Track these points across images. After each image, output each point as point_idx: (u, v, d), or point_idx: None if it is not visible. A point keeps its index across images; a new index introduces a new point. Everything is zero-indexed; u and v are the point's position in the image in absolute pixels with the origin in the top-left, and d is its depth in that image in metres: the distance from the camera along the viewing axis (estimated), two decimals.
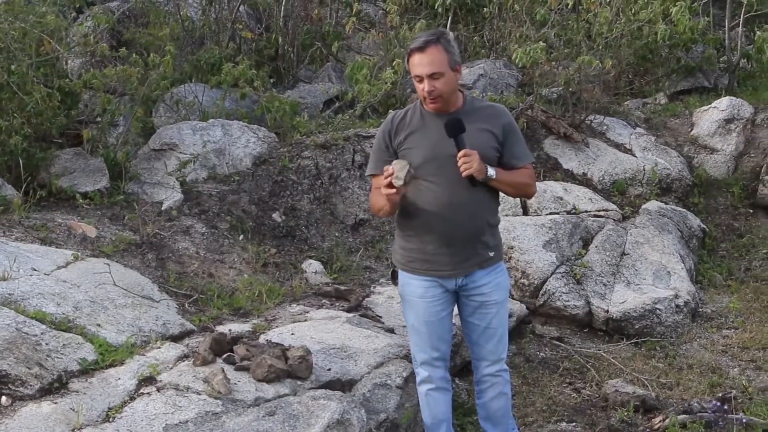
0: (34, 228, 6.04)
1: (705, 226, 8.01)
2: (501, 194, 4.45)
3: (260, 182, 7.25)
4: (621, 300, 6.66)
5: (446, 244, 4.32)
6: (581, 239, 7.16)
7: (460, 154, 4.11)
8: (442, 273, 4.36)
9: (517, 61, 8.34)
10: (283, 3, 9.82)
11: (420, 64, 4.14)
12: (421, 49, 4.13)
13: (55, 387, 4.37)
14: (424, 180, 4.24)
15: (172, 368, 4.67)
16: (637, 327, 6.55)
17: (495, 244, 4.42)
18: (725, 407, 5.18)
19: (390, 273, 4.68)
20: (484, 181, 4.17)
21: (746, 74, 10.47)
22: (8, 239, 5.73)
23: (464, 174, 4.11)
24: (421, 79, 4.17)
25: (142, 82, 7.49)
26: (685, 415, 5.21)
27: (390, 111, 8.08)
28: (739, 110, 9.08)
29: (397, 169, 4.09)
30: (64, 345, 4.64)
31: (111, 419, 4.19)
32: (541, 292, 6.67)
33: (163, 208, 6.75)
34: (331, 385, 4.77)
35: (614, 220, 7.53)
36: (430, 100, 4.20)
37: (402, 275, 4.49)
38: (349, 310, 5.90)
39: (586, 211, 7.54)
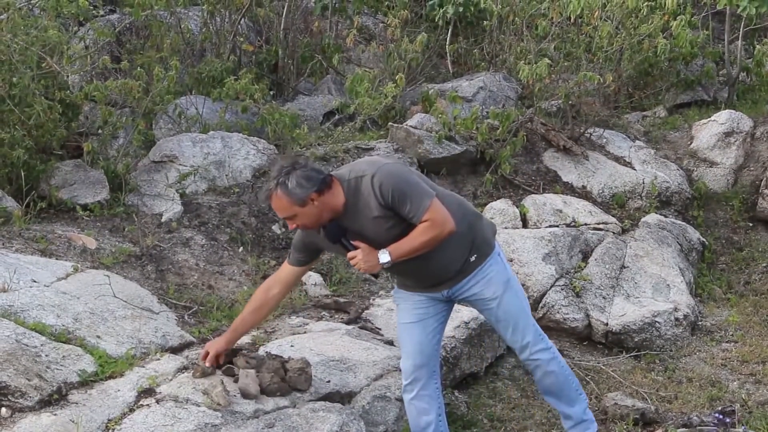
0: (34, 239, 6.05)
1: (704, 240, 8.01)
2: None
3: (260, 194, 7.26)
4: (620, 313, 6.66)
5: (422, 288, 4.48)
6: (581, 252, 7.17)
7: (348, 257, 4.20)
8: (429, 290, 4.49)
9: (522, 77, 8.37)
10: (284, 16, 9.85)
11: (276, 209, 4.22)
12: (267, 200, 4.21)
13: (55, 398, 4.37)
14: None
15: (171, 380, 4.67)
16: (636, 340, 6.55)
17: (475, 249, 4.41)
18: (727, 420, 5.17)
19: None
20: (386, 266, 4.18)
21: (746, 88, 10.48)
22: (8, 251, 5.74)
23: (359, 272, 4.22)
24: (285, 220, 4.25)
25: (144, 94, 7.51)
26: (684, 429, 5.21)
27: (390, 125, 8.10)
28: (738, 123, 9.09)
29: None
30: (63, 356, 4.65)
31: (110, 431, 4.19)
32: (541, 304, 6.67)
33: (162, 220, 6.76)
34: (330, 397, 4.77)
35: (614, 233, 7.53)
36: (301, 229, 4.30)
37: (395, 288, 4.65)
38: (348, 323, 5.90)
39: (585, 224, 7.54)
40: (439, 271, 4.36)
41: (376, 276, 4.27)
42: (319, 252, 4.51)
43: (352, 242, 4.19)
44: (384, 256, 4.14)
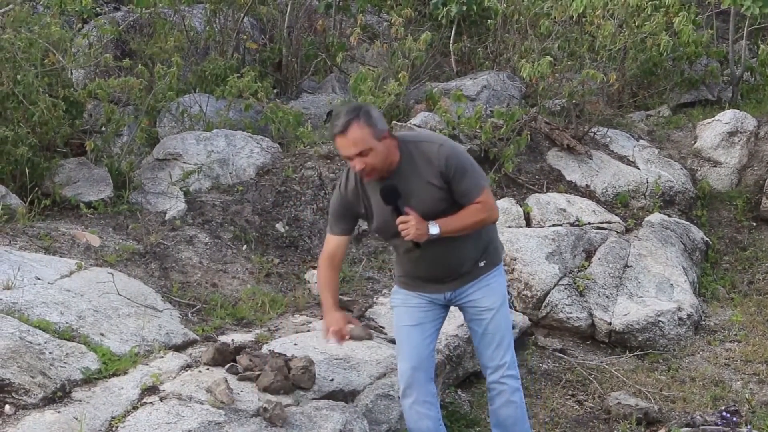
0: (38, 237, 6.05)
1: (708, 239, 8.00)
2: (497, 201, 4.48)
3: (264, 192, 7.27)
4: (624, 312, 6.65)
5: (426, 281, 4.42)
6: (584, 251, 7.16)
7: (397, 221, 4.13)
8: (430, 290, 4.44)
9: (524, 75, 8.37)
10: (287, 14, 9.85)
11: (345, 146, 4.13)
12: (342, 132, 4.10)
13: (59, 396, 4.38)
14: (391, 243, 4.41)
15: (175, 378, 4.68)
16: (639, 339, 6.54)
17: (486, 255, 4.41)
18: (734, 419, 5.17)
19: None
20: (431, 239, 4.15)
21: (750, 87, 10.46)
22: (12, 248, 5.74)
23: (405, 239, 4.14)
24: (350, 159, 4.16)
25: (147, 92, 7.51)
26: (687, 428, 5.22)
27: (394, 124, 8.11)
28: (742, 123, 9.08)
29: (357, 332, 4.31)
30: (67, 354, 4.65)
31: (114, 429, 4.20)
32: (544, 303, 6.67)
33: (166, 218, 6.76)
34: (333, 395, 4.78)
35: (617, 232, 7.53)
36: (366, 175, 4.20)
37: (394, 288, 4.59)
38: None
39: (589, 223, 7.53)
40: (452, 264, 4.33)
41: (417, 246, 4.18)
42: (357, 219, 4.44)
43: (404, 209, 4.15)
44: (434, 228, 4.13)
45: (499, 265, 4.49)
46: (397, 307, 4.51)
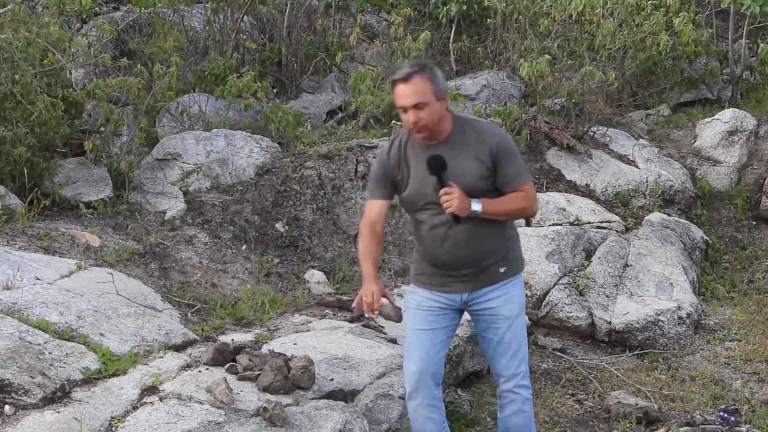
0: (37, 237, 6.05)
1: (708, 238, 8.00)
2: None
3: (263, 192, 7.26)
4: (624, 311, 6.65)
5: (447, 272, 4.33)
6: (584, 250, 7.16)
7: (441, 192, 4.10)
8: (447, 290, 4.36)
9: (523, 74, 8.36)
10: (287, 13, 9.85)
11: (403, 95, 4.12)
12: (404, 79, 4.11)
13: (58, 396, 4.38)
14: (420, 214, 4.29)
15: (174, 378, 4.68)
16: (639, 338, 6.54)
17: (507, 260, 4.36)
18: (732, 419, 5.17)
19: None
20: (471, 216, 4.14)
21: (749, 86, 10.46)
22: (12, 248, 5.74)
23: (446, 212, 4.10)
24: (405, 110, 4.14)
25: (146, 92, 7.51)
26: (687, 428, 5.21)
27: (394, 123, 8.10)
28: (742, 122, 9.08)
29: (388, 309, 4.21)
30: (67, 354, 4.65)
31: (114, 429, 4.20)
32: (544, 303, 6.67)
33: (166, 218, 6.76)
34: (333, 395, 4.77)
35: (617, 231, 7.53)
36: (416, 130, 4.18)
37: (410, 287, 4.53)
38: (351, 321, 5.90)
39: (588, 223, 7.53)
40: (475, 252, 4.26)
41: (457, 220, 4.14)
42: (395, 186, 4.37)
43: (449, 181, 4.13)
44: (476, 205, 4.12)
45: (518, 275, 4.45)
46: (411, 309, 4.45)
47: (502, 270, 4.34)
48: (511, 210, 4.28)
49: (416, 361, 4.37)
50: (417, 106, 4.10)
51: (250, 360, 4.78)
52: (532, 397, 4.54)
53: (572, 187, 8.20)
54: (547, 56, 8.26)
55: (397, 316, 4.29)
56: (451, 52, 10.11)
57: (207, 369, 4.79)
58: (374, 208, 4.40)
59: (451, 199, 4.07)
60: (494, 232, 4.30)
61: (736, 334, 6.76)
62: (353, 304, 4.39)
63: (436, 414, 4.45)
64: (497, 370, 4.46)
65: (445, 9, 9.88)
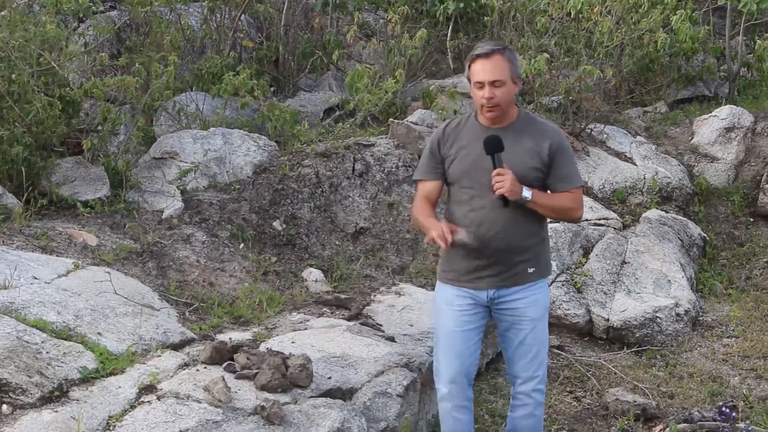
0: (34, 236, 6.04)
1: (705, 235, 8.01)
2: None
3: (261, 191, 7.26)
4: (621, 308, 6.66)
5: (478, 259, 4.29)
6: (581, 248, 7.17)
7: (494, 172, 4.10)
8: (473, 285, 4.33)
9: (520, 71, 8.34)
10: (284, 12, 9.84)
11: (483, 70, 4.18)
12: (486, 55, 4.17)
13: (56, 395, 4.38)
14: (463, 193, 4.27)
15: (172, 377, 4.67)
16: (637, 335, 6.55)
17: (537, 261, 4.34)
18: (731, 415, 5.17)
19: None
20: (519, 201, 4.14)
21: (746, 83, 10.48)
22: (9, 248, 5.74)
23: (496, 193, 4.09)
24: (482, 86, 4.19)
25: (144, 91, 7.50)
26: (685, 424, 5.22)
27: (391, 121, 8.10)
28: (739, 119, 9.09)
29: (461, 236, 4.14)
30: (64, 353, 4.65)
31: (111, 428, 4.20)
32: None
33: (163, 217, 6.75)
34: (331, 393, 4.77)
35: (615, 228, 7.53)
36: (487, 108, 4.21)
37: (438, 284, 4.49)
38: (349, 319, 5.90)
39: (586, 220, 7.53)
40: (509, 240, 4.23)
41: (506, 203, 4.14)
42: (443, 165, 4.36)
43: (503, 164, 4.13)
44: (527, 192, 4.14)
45: (545, 279, 4.44)
46: (441, 306, 4.42)
47: (530, 270, 4.32)
48: (558, 207, 4.30)
49: (450, 363, 4.37)
50: (494, 83, 4.16)
51: (247, 358, 4.78)
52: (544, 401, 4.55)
53: None
54: (545, 54, 8.26)
55: (470, 239, 4.19)
56: (449, 50, 10.11)
57: (205, 368, 4.78)
58: (427, 186, 4.41)
59: (504, 180, 4.09)
60: (532, 229, 4.31)
61: (733, 330, 6.76)
62: (424, 242, 4.34)
63: (467, 415, 4.47)
64: (515, 372, 4.45)
65: (442, 7, 9.87)
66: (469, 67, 4.25)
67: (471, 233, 4.19)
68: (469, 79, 4.29)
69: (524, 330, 4.34)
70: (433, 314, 4.53)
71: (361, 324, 5.79)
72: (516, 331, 4.36)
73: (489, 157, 4.15)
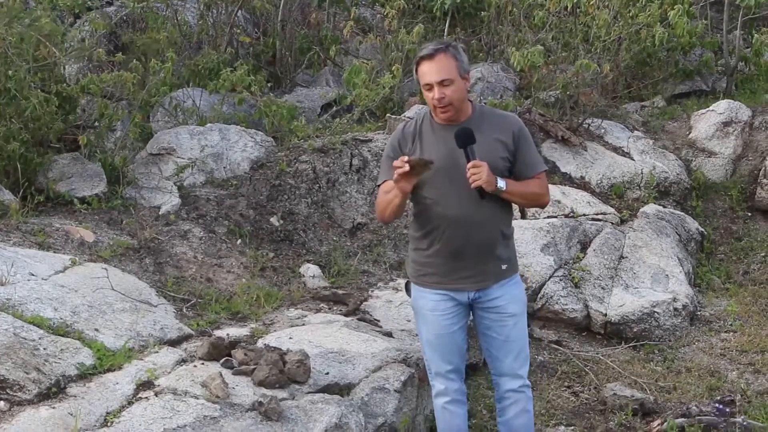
0: (31, 233, 6.04)
1: (703, 230, 8.01)
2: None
3: (258, 186, 7.25)
4: (619, 303, 6.66)
5: (456, 258, 4.28)
6: (579, 243, 7.16)
7: (470, 165, 4.08)
8: (453, 287, 4.32)
9: (515, 64, 8.34)
10: (281, 7, 9.83)
11: (429, 71, 4.15)
12: (430, 56, 4.14)
13: (53, 392, 4.37)
14: (432, 194, 4.23)
15: (170, 373, 4.67)
16: (635, 330, 6.55)
17: (508, 257, 4.37)
18: (728, 410, 5.17)
19: (404, 285, 4.64)
20: (494, 192, 4.13)
21: (744, 77, 10.47)
22: (6, 244, 5.73)
23: (473, 185, 4.07)
24: (430, 87, 4.16)
25: (141, 87, 7.49)
26: (683, 419, 5.21)
27: (388, 117, 8.09)
28: (737, 113, 9.08)
29: (413, 160, 4.05)
30: (62, 350, 4.64)
31: (109, 424, 4.19)
32: (539, 295, 6.67)
33: (160, 213, 6.75)
34: (329, 389, 4.77)
35: (612, 223, 7.53)
36: (440, 108, 4.18)
37: (414, 288, 4.45)
38: (347, 314, 5.90)
39: (584, 215, 7.54)
40: (482, 237, 4.23)
41: (482, 195, 4.12)
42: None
43: (476, 156, 4.11)
44: (501, 182, 4.14)
45: (517, 274, 4.46)
46: (424, 312, 4.40)
47: (503, 267, 4.34)
48: (530, 194, 4.34)
49: (442, 362, 4.41)
50: (442, 83, 4.13)
51: (245, 354, 4.78)
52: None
53: (567, 180, 8.20)
54: (539, 47, 8.24)
55: (423, 162, 4.08)
56: None
57: (202, 364, 4.78)
58: (389, 188, 4.29)
59: (480, 172, 4.07)
60: (503, 220, 4.33)
61: (731, 325, 6.76)
62: (394, 198, 4.19)
63: (462, 408, 4.50)
64: (501, 370, 4.44)
65: (439, 2, 9.88)
66: (416, 70, 4.24)
67: (426, 159, 4.10)
68: (418, 82, 4.29)
69: (508, 326, 4.36)
70: (416, 318, 4.52)
71: (359, 320, 5.79)
72: (499, 328, 4.37)
73: (458, 152, 4.13)
